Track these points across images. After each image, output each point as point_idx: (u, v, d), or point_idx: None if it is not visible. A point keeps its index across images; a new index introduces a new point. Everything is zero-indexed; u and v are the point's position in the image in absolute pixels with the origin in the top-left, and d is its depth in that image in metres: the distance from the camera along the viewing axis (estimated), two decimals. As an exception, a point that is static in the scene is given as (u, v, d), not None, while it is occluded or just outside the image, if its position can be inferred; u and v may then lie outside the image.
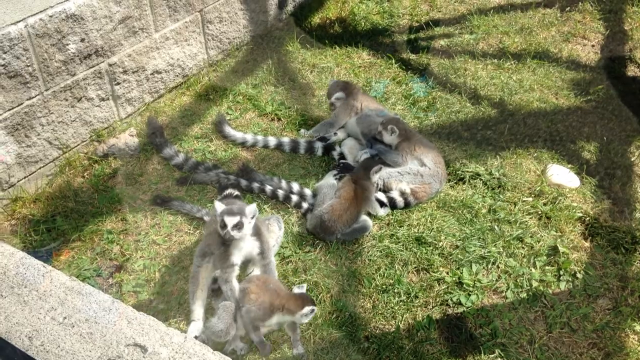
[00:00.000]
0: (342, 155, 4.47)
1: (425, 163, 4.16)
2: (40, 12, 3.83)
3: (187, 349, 2.29)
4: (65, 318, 2.42)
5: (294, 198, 4.04)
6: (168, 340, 2.32)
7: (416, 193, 4.02)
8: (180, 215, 3.97)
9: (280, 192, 4.05)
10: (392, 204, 4.01)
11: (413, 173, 4.09)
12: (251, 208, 3.18)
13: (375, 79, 5.43)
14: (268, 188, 4.06)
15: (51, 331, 2.37)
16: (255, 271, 3.41)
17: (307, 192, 4.12)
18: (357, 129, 4.53)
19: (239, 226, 3.10)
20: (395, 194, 4.03)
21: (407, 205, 4.02)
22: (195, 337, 3.15)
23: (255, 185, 4.09)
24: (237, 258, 3.24)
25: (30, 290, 2.53)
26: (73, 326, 2.39)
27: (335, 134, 4.65)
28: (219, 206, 3.17)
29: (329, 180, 4.13)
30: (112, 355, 2.27)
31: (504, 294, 3.48)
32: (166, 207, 4.00)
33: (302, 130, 4.74)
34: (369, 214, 3.96)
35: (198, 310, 3.26)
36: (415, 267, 3.63)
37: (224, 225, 3.09)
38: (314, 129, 4.70)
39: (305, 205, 4.01)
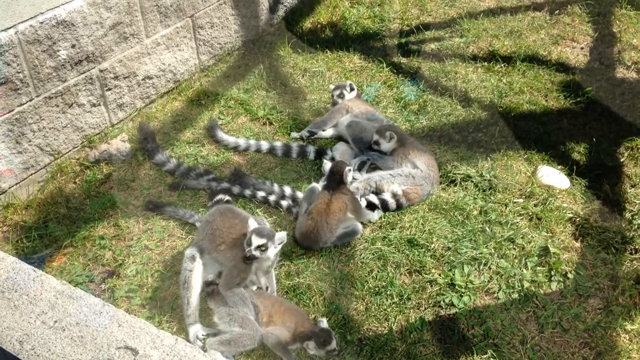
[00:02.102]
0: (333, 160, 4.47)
1: (417, 165, 4.19)
2: (31, 18, 3.83)
3: (178, 351, 2.29)
4: (56, 322, 2.42)
5: (285, 203, 4.05)
6: (159, 343, 2.32)
7: (408, 194, 4.04)
8: (173, 221, 3.97)
9: (272, 197, 4.06)
10: (385, 206, 4.02)
11: (405, 175, 4.11)
12: (280, 235, 3.27)
13: (366, 82, 5.46)
14: (260, 194, 4.07)
15: (42, 335, 2.37)
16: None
17: (300, 195, 4.12)
18: (346, 132, 4.55)
19: (262, 248, 3.18)
20: (387, 196, 4.04)
21: (399, 207, 4.03)
22: (205, 336, 3.21)
23: (247, 192, 4.10)
24: (253, 275, 3.38)
25: (20, 295, 2.53)
26: (64, 330, 2.38)
27: (323, 130, 4.70)
28: (252, 223, 3.24)
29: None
30: (103, 358, 2.27)
31: (495, 295, 3.49)
32: (158, 213, 4.00)
33: (293, 133, 4.75)
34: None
35: (194, 315, 3.27)
36: (407, 269, 3.63)
37: (249, 243, 3.17)
38: (307, 128, 4.73)
39: (296, 209, 4.01)
